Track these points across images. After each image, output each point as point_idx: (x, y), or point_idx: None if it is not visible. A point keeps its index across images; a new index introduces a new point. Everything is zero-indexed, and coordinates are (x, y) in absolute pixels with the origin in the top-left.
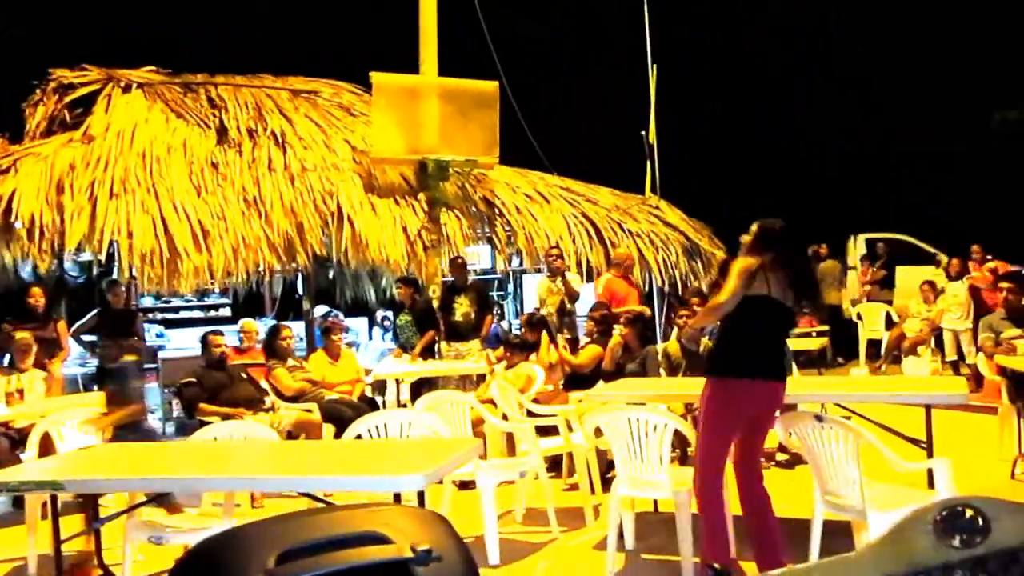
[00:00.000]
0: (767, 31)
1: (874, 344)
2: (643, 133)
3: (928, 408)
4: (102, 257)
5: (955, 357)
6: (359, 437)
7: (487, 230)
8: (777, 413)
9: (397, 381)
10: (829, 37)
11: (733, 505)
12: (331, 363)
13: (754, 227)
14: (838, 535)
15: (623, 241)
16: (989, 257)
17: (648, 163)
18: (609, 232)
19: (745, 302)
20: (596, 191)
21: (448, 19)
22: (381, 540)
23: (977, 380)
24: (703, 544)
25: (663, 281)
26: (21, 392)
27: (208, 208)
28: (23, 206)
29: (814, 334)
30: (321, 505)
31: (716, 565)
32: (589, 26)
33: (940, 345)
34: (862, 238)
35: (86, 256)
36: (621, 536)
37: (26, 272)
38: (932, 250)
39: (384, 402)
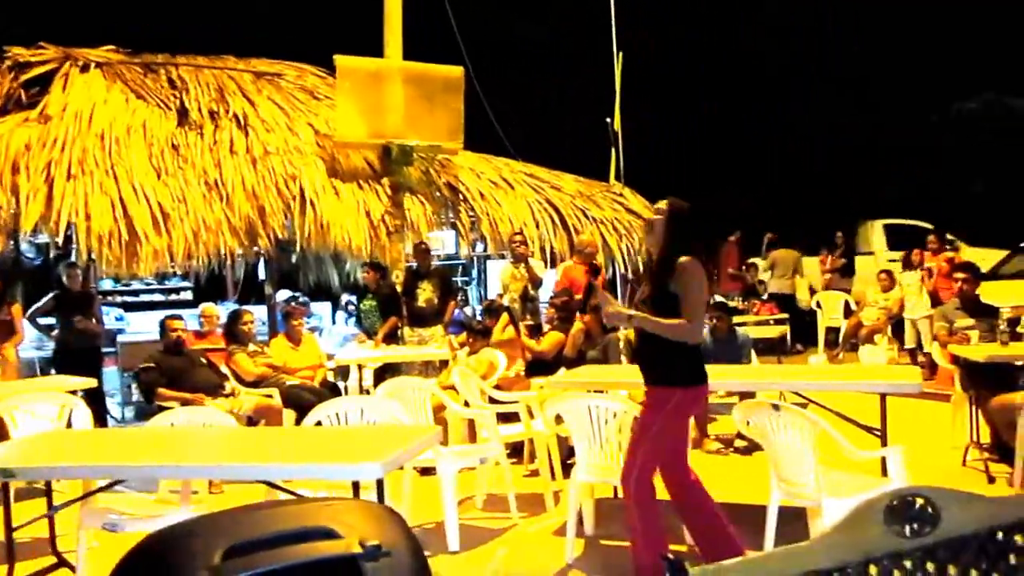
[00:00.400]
0: (744, 24)
1: (833, 332)
2: (608, 121)
3: (883, 396)
4: (60, 239)
5: (914, 345)
6: (319, 423)
7: (451, 216)
8: (735, 399)
9: (360, 366)
10: (812, 32)
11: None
12: (292, 348)
13: (663, 205)
14: (793, 521)
15: (587, 228)
16: (947, 247)
17: (613, 150)
18: (573, 219)
19: None
20: (560, 178)
21: (414, 3)
22: (330, 535)
23: (932, 368)
24: (641, 546)
25: (626, 268)
26: None
27: (168, 190)
28: None
29: (772, 322)
30: (279, 493)
31: (669, 555)
32: (557, 13)
33: (897, 333)
34: (879, 223)
35: (43, 238)
36: (580, 522)
37: None
38: (950, 237)
39: (346, 387)
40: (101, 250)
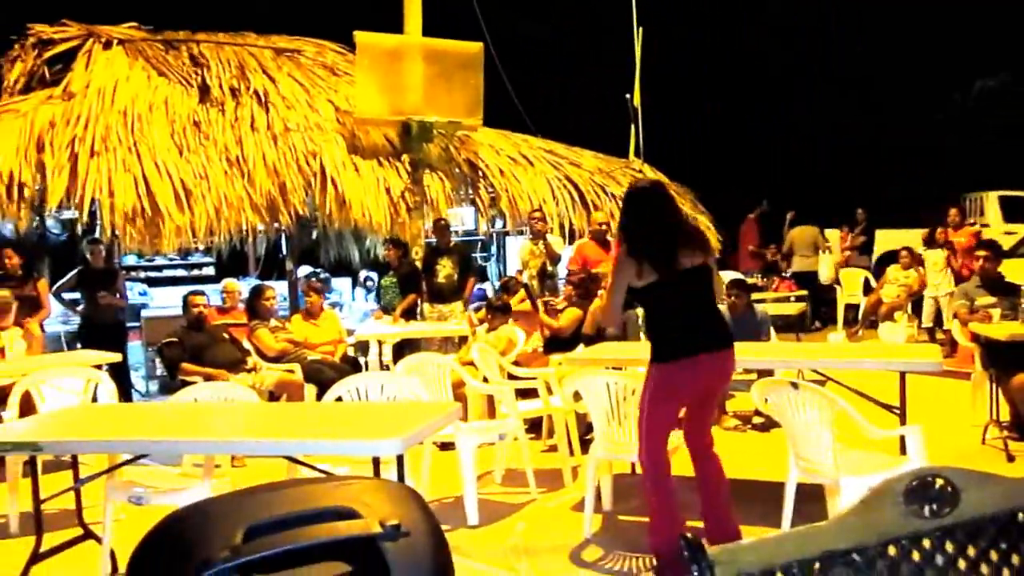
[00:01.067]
0: (762, 13)
1: (852, 309)
2: (628, 96)
3: (902, 375)
4: (84, 216)
5: (931, 324)
6: (339, 399)
7: (470, 192)
8: (753, 376)
9: (379, 342)
10: (827, 26)
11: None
12: (312, 324)
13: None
14: (811, 499)
15: (604, 205)
16: (972, 222)
17: (632, 126)
18: (592, 195)
19: (648, 292)
20: (579, 154)
21: None
22: (350, 515)
23: (952, 346)
24: (655, 522)
25: None
26: (2, 351)
27: (190, 167)
28: (2, 164)
29: (792, 299)
30: (301, 468)
31: (688, 533)
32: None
33: (917, 311)
34: (994, 195)
35: (69, 214)
36: (598, 498)
37: (7, 230)
38: None
39: (367, 363)
40: (124, 226)
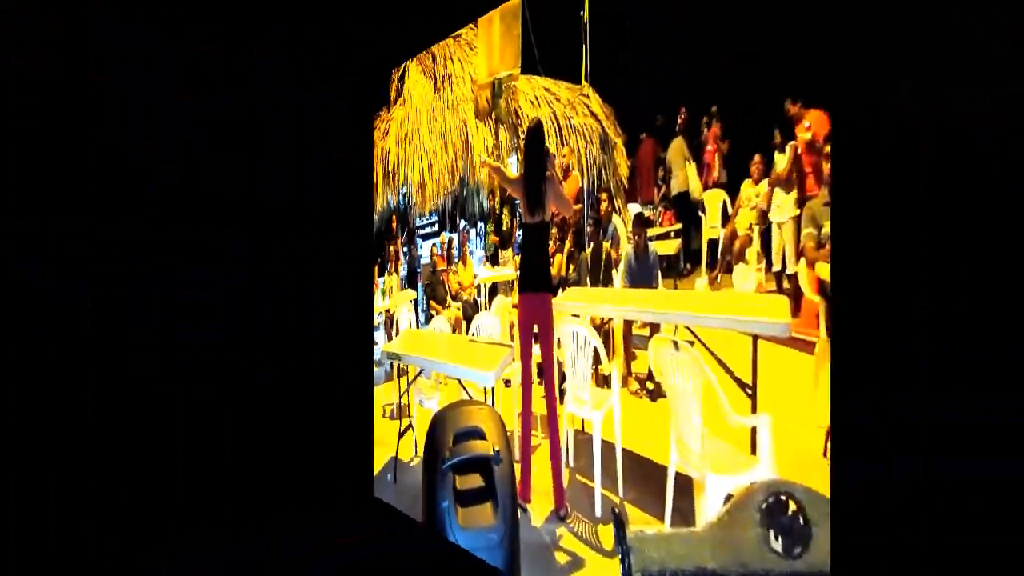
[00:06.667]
0: None
1: (715, 244)
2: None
3: (755, 339)
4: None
5: (780, 265)
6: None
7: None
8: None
9: (482, 285)
10: None
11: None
12: (463, 268)
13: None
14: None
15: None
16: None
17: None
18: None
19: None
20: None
21: None
22: (482, 436)
23: (797, 299)
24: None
25: None
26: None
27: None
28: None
29: (672, 234)
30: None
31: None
32: None
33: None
34: None
35: None
36: None
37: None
38: None
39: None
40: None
